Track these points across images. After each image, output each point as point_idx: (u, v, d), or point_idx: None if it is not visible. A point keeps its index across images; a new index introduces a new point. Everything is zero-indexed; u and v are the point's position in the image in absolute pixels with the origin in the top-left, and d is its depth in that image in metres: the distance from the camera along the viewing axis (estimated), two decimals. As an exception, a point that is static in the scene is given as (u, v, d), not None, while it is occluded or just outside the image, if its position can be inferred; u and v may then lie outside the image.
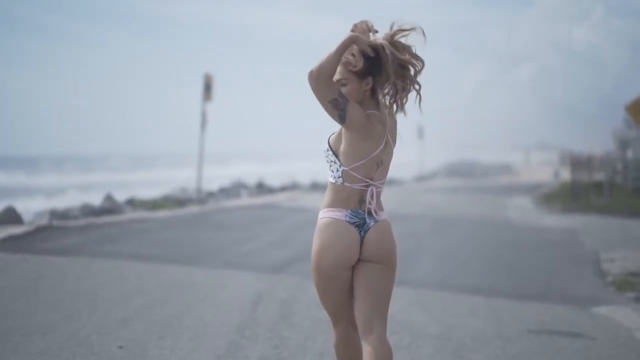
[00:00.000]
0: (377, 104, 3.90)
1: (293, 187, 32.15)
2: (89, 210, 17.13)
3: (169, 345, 5.84)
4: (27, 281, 8.03)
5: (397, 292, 8.65)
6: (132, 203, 20.04)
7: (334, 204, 3.87)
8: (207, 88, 22.29)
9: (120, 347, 5.69)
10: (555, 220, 18.79)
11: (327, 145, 3.91)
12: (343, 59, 3.78)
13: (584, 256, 12.46)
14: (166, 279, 8.56)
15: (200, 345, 5.90)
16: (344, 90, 3.78)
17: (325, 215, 3.88)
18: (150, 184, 39.47)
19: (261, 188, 30.64)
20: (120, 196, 23.31)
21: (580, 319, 7.78)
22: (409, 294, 8.59)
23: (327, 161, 3.89)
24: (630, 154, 30.02)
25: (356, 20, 3.84)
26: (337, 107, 3.75)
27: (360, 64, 3.79)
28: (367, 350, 3.79)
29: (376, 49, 3.80)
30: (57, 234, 12.11)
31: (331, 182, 3.88)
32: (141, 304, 7.14)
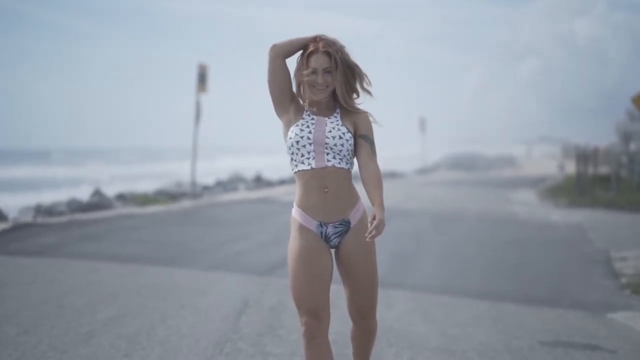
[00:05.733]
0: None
1: (292, 180, 31.40)
2: (76, 206, 16.45)
3: (135, 364, 5.16)
4: (-10, 287, 7.34)
5: (395, 297, 8.00)
6: (122, 198, 19.33)
7: None
8: (202, 79, 21.60)
9: (79, 367, 5.01)
10: (561, 216, 18.10)
11: (352, 138, 3.88)
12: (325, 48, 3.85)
13: (594, 255, 11.76)
14: (144, 283, 7.86)
15: (171, 363, 5.22)
16: (327, 77, 3.84)
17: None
18: (153, 177, 38.94)
19: (259, 181, 29.95)
20: (120, 190, 22.66)
21: (596, 327, 7.09)
22: (407, 299, 7.90)
23: (350, 151, 3.86)
24: (633, 146, 29.39)
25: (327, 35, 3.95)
26: None
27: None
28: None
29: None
30: (35, 232, 11.43)
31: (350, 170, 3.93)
32: (111, 314, 6.44)
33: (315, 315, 3.83)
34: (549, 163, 54.62)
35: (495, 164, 58.59)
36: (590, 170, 25.90)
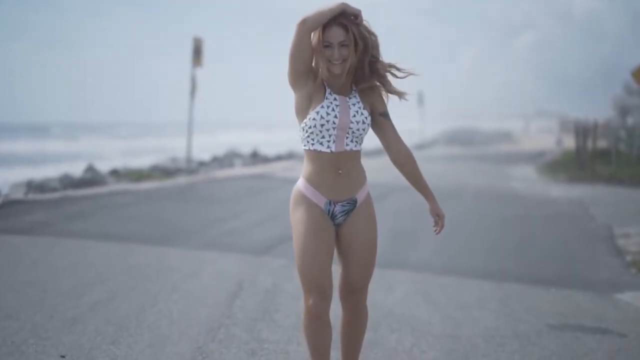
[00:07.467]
0: None
1: (289, 156, 31.10)
2: (68, 182, 16.11)
3: (122, 353, 4.86)
4: (-27, 268, 7.04)
5: (395, 278, 7.71)
6: (116, 174, 18.97)
7: None
8: (197, 52, 21.25)
9: (62, 357, 4.71)
10: (562, 191, 17.80)
11: (370, 119, 3.92)
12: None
13: (597, 231, 11.48)
14: (135, 264, 7.56)
15: (160, 352, 4.92)
16: (344, 51, 3.72)
17: None
18: (150, 152, 38.60)
19: (256, 157, 29.61)
20: (115, 165, 22.33)
21: (604, 309, 6.80)
22: (408, 280, 7.61)
23: (366, 132, 3.92)
24: (630, 121, 29.11)
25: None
26: None
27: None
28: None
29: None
30: (25, 209, 11.11)
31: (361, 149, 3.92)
32: (99, 297, 6.15)
33: (322, 290, 3.76)
34: (546, 138, 54.29)
35: (493, 138, 58.21)
36: (590, 144, 25.55)
